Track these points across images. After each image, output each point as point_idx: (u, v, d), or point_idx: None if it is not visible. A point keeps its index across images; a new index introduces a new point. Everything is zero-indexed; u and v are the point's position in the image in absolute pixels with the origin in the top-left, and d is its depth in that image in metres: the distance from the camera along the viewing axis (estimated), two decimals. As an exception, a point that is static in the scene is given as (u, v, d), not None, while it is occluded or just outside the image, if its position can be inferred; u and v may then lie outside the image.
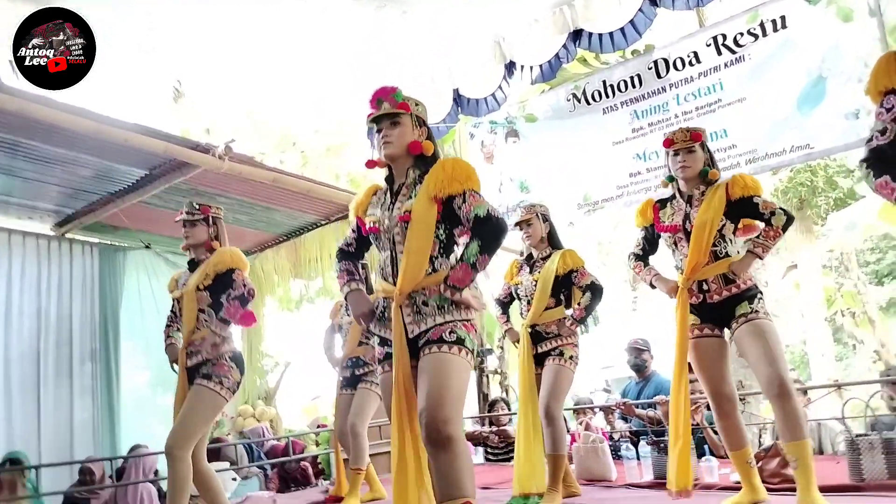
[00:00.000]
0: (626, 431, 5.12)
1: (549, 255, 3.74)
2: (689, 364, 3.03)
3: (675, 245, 3.10)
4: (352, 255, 2.57)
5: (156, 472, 5.38)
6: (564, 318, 3.65)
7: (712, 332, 3.00)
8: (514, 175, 6.02)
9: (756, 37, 4.68)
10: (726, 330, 3.00)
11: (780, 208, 2.95)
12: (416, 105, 2.44)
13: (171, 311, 3.58)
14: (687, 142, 3.03)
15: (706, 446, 4.32)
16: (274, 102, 7.66)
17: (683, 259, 3.03)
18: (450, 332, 2.21)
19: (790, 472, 2.92)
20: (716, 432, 4.40)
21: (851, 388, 4.24)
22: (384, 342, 2.37)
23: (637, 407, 4.98)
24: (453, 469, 2.05)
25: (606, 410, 5.66)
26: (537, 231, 3.77)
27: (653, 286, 3.22)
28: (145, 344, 6.73)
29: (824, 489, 2.77)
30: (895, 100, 2.16)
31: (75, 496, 4.93)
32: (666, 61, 5.12)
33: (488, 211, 2.24)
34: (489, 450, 5.90)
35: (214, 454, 5.51)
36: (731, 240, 2.98)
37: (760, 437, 4.98)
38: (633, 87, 5.32)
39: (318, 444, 5.87)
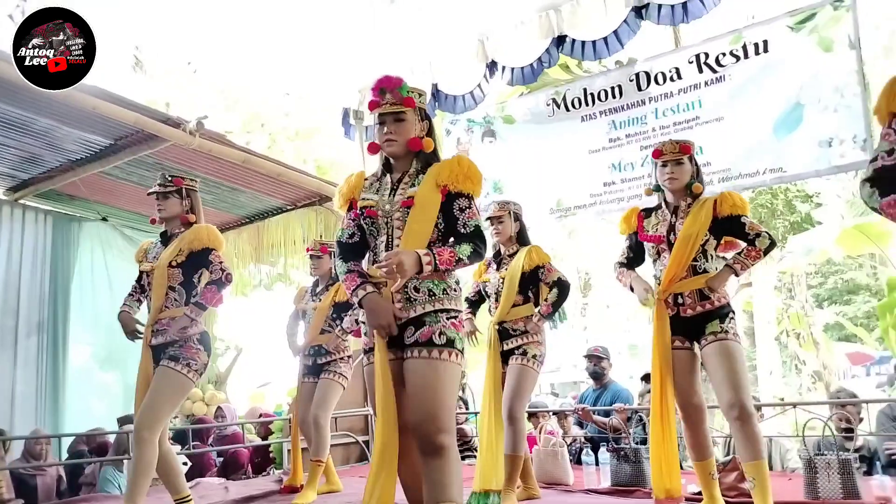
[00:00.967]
0: (581, 437, 5.17)
1: (515, 252, 3.74)
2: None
3: (658, 255, 3.10)
4: (357, 250, 2.39)
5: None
6: (532, 315, 3.66)
7: (682, 344, 3.02)
8: (489, 175, 5.99)
9: (738, 58, 4.77)
10: (695, 343, 3.03)
11: (766, 232, 2.99)
12: (420, 97, 2.39)
13: (138, 282, 3.40)
14: (676, 153, 3.04)
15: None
16: (246, 81, 7.53)
17: (663, 270, 3.05)
18: (439, 335, 2.17)
19: (747, 486, 2.98)
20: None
21: (800, 408, 4.36)
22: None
23: (594, 413, 5.03)
24: (444, 474, 2.07)
25: (560, 415, 5.70)
26: (507, 228, 3.75)
27: (632, 289, 3.20)
28: (94, 318, 6.52)
29: (781, 506, 2.84)
30: None
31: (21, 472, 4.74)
32: (648, 75, 5.18)
33: (481, 227, 2.30)
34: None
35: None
36: (711, 256, 3.00)
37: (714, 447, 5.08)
38: (613, 97, 5.36)
39: (271, 433, 5.75)
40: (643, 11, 4.91)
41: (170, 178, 3.32)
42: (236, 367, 11.45)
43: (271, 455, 5.70)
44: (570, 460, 4.44)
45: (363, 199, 2.35)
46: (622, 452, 3.98)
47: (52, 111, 4.68)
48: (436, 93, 5.93)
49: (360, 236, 2.38)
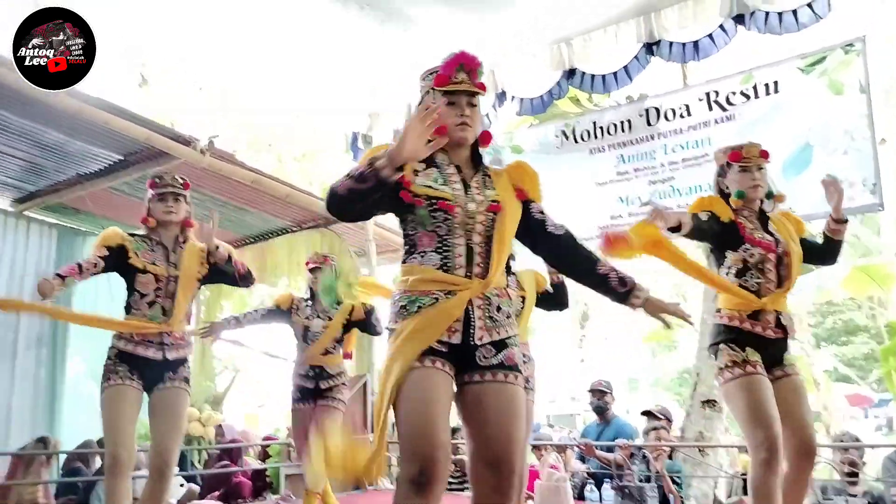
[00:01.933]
0: (584, 472, 5.11)
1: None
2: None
3: (761, 263, 2.70)
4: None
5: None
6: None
7: (762, 370, 2.62)
8: (495, 204, 6.02)
9: (748, 97, 4.81)
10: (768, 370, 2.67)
11: None
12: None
13: (110, 268, 3.01)
14: (759, 158, 2.75)
15: (671, 496, 4.32)
16: (253, 101, 7.56)
17: (762, 283, 2.69)
18: (523, 359, 2.00)
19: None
20: (675, 481, 4.43)
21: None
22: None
23: (597, 448, 4.97)
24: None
25: (561, 449, 5.64)
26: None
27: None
28: (94, 333, 6.40)
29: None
30: None
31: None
32: (657, 110, 5.22)
33: None
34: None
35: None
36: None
37: (716, 488, 5.03)
38: (623, 131, 5.40)
39: (268, 456, 5.68)
40: (654, 48, 4.97)
41: (181, 181, 3.09)
42: (232, 388, 11.37)
43: (268, 479, 5.62)
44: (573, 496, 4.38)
45: (426, 185, 1.96)
46: (626, 490, 3.93)
47: (63, 124, 4.69)
48: (444, 120, 5.96)
49: (380, 197, 1.87)
